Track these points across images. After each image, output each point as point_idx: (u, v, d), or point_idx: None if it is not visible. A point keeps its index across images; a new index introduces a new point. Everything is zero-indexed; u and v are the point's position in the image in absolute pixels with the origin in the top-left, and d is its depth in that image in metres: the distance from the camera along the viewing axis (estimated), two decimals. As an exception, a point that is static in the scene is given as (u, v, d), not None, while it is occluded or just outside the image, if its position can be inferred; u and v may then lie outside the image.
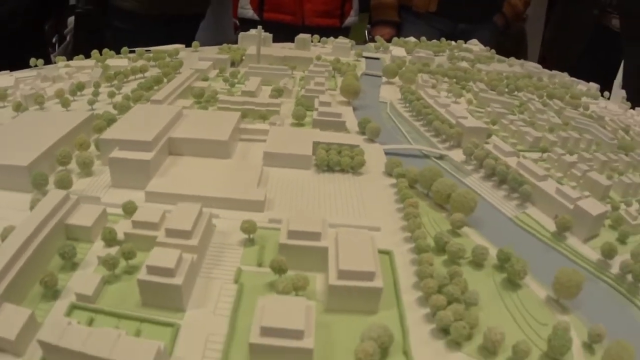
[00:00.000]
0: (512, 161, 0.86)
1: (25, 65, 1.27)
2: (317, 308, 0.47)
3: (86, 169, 0.73)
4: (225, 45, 1.52)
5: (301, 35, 1.59)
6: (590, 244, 0.73)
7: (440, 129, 0.96)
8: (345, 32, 2.18)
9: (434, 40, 1.92)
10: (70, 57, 1.35)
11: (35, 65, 1.28)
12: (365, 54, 1.63)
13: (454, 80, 1.40)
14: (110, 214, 0.63)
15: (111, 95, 1.02)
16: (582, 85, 1.67)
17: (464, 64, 1.62)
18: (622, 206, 0.83)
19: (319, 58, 1.42)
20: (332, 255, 0.53)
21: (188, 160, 0.76)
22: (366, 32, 2.57)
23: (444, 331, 0.51)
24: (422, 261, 0.57)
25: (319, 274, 0.56)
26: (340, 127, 0.93)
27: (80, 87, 1.05)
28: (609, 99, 1.64)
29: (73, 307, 0.51)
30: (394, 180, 0.78)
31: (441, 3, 2.21)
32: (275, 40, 1.60)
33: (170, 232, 0.54)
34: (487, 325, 0.50)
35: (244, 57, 1.41)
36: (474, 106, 1.22)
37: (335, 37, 1.75)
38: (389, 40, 1.87)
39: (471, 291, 0.54)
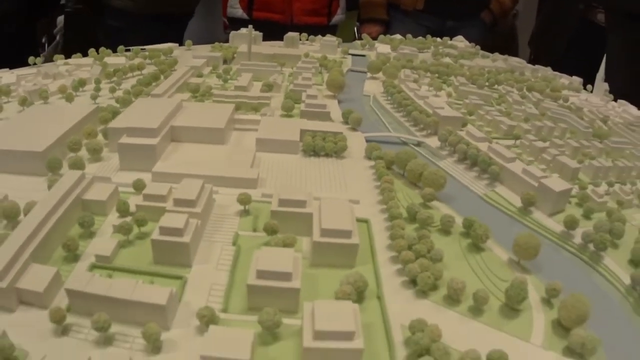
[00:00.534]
0: (483, 146, 0.98)
1: (15, 65, 1.36)
2: (303, 263, 0.58)
3: (96, 154, 0.84)
4: (217, 43, 1.64)
5: (290, 34, 1.71)
6: (555, 219, 0.83)
7: (418, 119, 1.08)
8: (332, 29, 2.30)
9: (420, 38, 2.04)
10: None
11: (34, 64, 1.39)
12: (351, 51, 1.76)
13: (436, 75, 1.52)
14: (121, 192, 0.74)
15: (112, 90, 1.13)
16: (564, 79, 1.79)
17: (447, 60, 1.75)
18: (590, 187, 0.93)
19: (307, 55, 1.54)
20: (315, 219, 0.64)
21: (188, 146, 0.88)
22: (355, 29, 2.69)
23: (413, 282, 0.63)
24: (395, 226, 0.68)
25: (305, 237, 0.67)
26: (325, 117, 1.05)
27: (82, 83, 1.16)
28: (591, 92, 1.76)
29: (93, 267, 0.61)
30: (373, 163, 0.90)
31: (428, 0, 2.33)
32: (264, 38, 1.72)
33: (177, 202, 0.66)
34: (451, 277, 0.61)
35: (235, 55, 1.52)
36: (453, 99, 1.34)
37: (323, 34, 1.88)
38: (375, 38, 1.99)
39: (436, 249, 0.66)
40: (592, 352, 0.55)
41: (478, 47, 2.05)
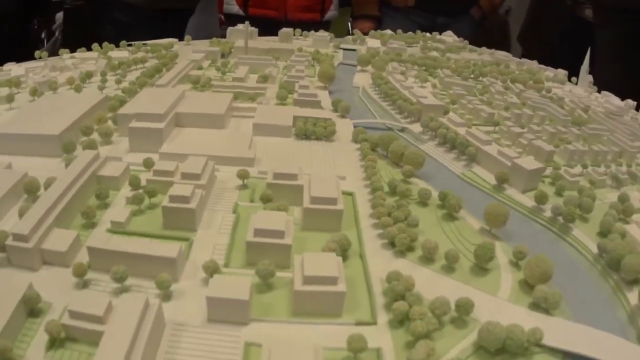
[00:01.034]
0: (462, 131, 1.07)
1: (15, 61, 1.44)
2: (295, 228, 0.68)
3: (107, 138, 0.94)
4: (215, 39, 1.74)
5: (284, 29, 1.81)
6: (528, 195, 0.91)
7: (403, 107, 1.17)
8: (326, 25, 2.40)
9: (410, 33, 2.14)
10: (58, 53, 1.53)
11: (40, 57, 1.48)
12: (343, 45, 1.85)
13: (423, 67, 1.61)
14: (131, 170, 0.84)
15: (118, 82, 1.22)
16: (549, 72, 1.87)
17: (435, 54, 1.84)
18: (564, 168, 1.00)
19: (300, 50, 1.63)
20: (305, 190, 0.74)
21: (191, 131, 0.97)
22: (349, 25, 2.78)
23: (392, 244, 0.72)
24: (376, 197, 0.78)
25: (296, 207, 0.77)
26: (317, 105, 1.15)
27: (89, 75, 1.25)
28: (576, 84, 1.84)
29: (108, 232, 0.70)
30: (359, 146, 1.00)
31: (419, -3, 2.43)
32: (259, 34, 1.81)
33: (184, 175, 0.75)
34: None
35: (232, 50, 1.62)
36: (438, 90, 1.43)
37: (316, 30, 1.96)
38: (367, 34, 2.09)
39: (413, 216, 0.75)
40: (555, 305, 0.63)
41: (466, 41, 2.14)
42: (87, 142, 0.88)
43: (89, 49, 1.54)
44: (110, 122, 0.99)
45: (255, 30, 1.75)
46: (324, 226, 0.72)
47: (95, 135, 0.95)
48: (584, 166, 1.05)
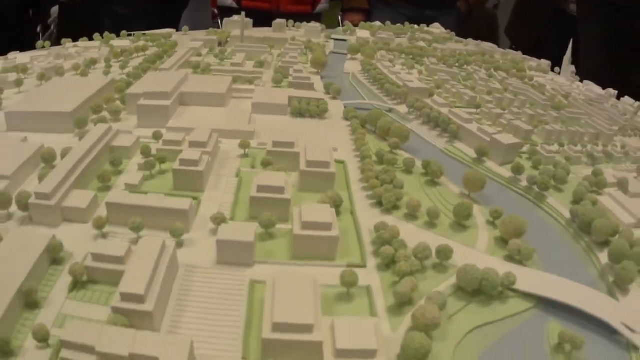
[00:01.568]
0: (445, 110, 1.17)
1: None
2: (292, 190, 0.77)
3: (116, 115, 1.02)
4: (211, 29, 1.82)
5: (278, 20, 1.90)
6: (505, 168, 1.00)
7: (390, 90, 1.27)
8: (317, 18, 2.49)
9: (398, 25, 2.23)
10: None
11: (43, 47, 1.55)
12: (334, 36, 1.95)
13: (410, 56, 1.71)
14: (141, 142, 0.92)
15: (122, 67, 1.31)
16: (533, 62, 1.97)
17: (422, 44, 1.94)
18: (541, 145, 1.09)
19: (293, 39, 1.73)
20: (302, 156, 0.83)
21: (195, 109, 1.06)
22: (339, 17, 2.87)
23: (379, 204, 0.81)
24: (365, 163, 0.87)
25: (294, 172, 0.86)
26: (310, 88, 1.24)
27: (93, 62, 1.34)
28: (559, 74, 1.94)
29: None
30: (350, 123, 1.09)
31: (408, -10, 2.53)
32: (252, 26, 1.90)
33: (192, 144, 0.84)
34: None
35: (228, 39, 1.71)
36: (424, 76, 1.53)
37: (308, 22, 2.05)
38: (356, 25, 2.18)
39: (398, 179, 0.84)
40: (528, 257, 0.71)
41: (453, 33, 2.24)
42: (98, 119, 0.97)
43: (91, 39, 1.62)
44: (118, 102, 1.08)
45: (250, 21, 1.84)
46: (319, 187, 0.81)
47: (105, 114, 1.03)
48: (561, 144, 1.13)
